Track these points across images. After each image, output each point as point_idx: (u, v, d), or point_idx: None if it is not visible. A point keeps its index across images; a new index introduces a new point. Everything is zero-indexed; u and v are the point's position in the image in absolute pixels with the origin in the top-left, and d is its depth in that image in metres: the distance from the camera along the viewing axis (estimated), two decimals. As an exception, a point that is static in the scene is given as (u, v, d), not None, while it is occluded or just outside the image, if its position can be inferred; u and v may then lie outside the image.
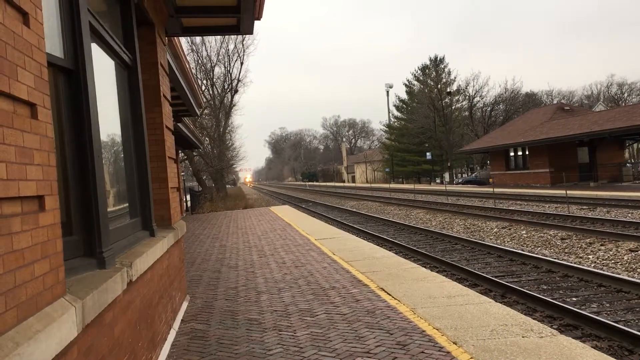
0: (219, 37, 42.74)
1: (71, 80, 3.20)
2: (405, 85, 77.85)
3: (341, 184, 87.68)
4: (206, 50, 44.74)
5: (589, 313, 7.37)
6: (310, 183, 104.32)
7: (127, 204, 4.78)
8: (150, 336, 4.24)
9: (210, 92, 43.83)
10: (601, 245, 13.02)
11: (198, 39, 41.64)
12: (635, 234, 13.52)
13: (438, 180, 66.47)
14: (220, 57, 44.28)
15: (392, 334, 4.95)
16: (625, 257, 11.54)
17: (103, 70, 4.16)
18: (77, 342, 2.45)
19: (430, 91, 69.90)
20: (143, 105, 5.24)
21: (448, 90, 67.41)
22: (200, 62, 43.12)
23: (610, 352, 6.12)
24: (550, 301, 7.99)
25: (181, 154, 33.05)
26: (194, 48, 42.46)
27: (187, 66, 10.38)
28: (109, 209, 3.88)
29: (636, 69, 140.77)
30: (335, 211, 30.54)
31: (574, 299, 8.54)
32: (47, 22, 2.69)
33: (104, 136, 3.91)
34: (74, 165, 3.16)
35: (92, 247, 3.23)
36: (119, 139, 4.75)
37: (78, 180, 3.20)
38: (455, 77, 77.25)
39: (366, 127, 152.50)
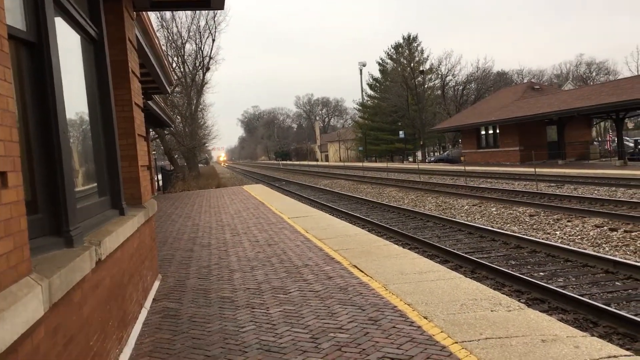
0: (189, 12, 41.94)
1: (34, 53, 3.10)
2: (379, 63, 77.81)
3: (314, 163, 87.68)
4: (177, 27, 43.86)
5: (556, 287, 7.56)
6: (283, 162, 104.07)
7: (96, 182, 4.69)
8: (121, 315, 4.20)
9: (182, 69, 43.09)
10: (568, 221, 13.32)
11: (168, 14, 40.80)
12: (600, 211, 13.87)
13: (411, 159, 66.94)
14: (191, 34, 43.47)
15: (364, 310, 5.00)
16: (591, 233, 11.84)
17: (68, 45, 4.04)
18: (44, 321, 2.42)
19: (403, 70, 69.97)
20: (111, 81, 5.13)
21: (421, 69, 67.56)
22: (170, 38, 42.27)
23: (575, 324, 6.30)
24: (518, 276, 8.17)
25: (152, 133, 32.57)
26: (164, 24, 41.58)
27: (157, 42, 10.16)
28: (76, 188, 3.81)
29: (604, 49, 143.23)
30: (308, 190, 30.58)
31: (541, 273, 8.74)
32: (7, -7, 2.59)
33: (70, 113, 3.82)
34: (38, 142, 3.08)
35: (59, 226, 3.17)
36: (86, 115, 4.64)
37: (43, 157, 3.12)
38: (428, 56, 77.69)
39: (340, 105, 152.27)
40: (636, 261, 9.05)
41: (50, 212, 3.13)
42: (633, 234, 11.15)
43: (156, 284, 6.55)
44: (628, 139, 41.56)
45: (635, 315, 6.34)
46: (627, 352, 3.76)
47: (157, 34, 12.93)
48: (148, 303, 5.69)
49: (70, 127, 3.87)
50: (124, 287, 4.44)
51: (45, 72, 3.14)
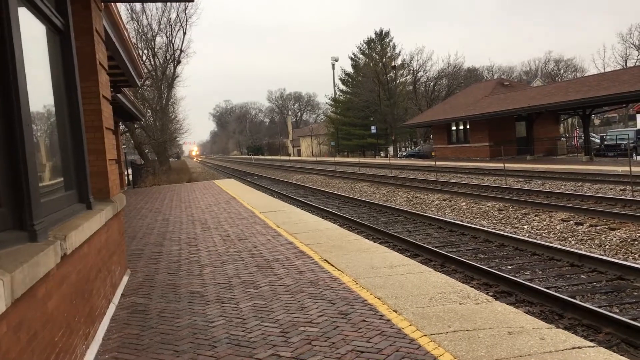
0: (160, 5, 41.39)
1: (-5, 44, 3.01)
2: (351, 58, 77.90)
3: (287, 158, 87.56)
4: (147, 19, 43.36)
5: (523, 280, 7.70)
6: (256, 157, 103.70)
7: (62, 176, 4.60)
8: (88, 311, 4.13)
9: (152, 62, 42.53)
10: (535, 215, 13.57)
11: (138, 6, 40.18)
12: (567, 205, 14.17)
13: (382, 154, 67.37)
14: (161, 27, 42.97)
15: (334, 304, 5.02)
16: (558, 227, 12.09)
17: (32, 35, 3.94)
18: (7, 316, 2.36)
19: (375, 65, 70.22)
20: (77, 73, 5.03)
21: (393, 64, 67.90)
22: (140, 31, 41.69)
23: (542, 316, 6.43)
24: (486, 269, 8.29)
25: (122, 127, 32.06)
26: (134, 16, 40.98)
27: (126, 34, 9.98)
28: (42, 181, 3.73)
29: (572, 46, 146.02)
30: (280, 184, 30.52)
31: (509, 267, 8.89)
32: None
33: (35, 105, 3.72)
34: (0, 135, 3.00)
35: (23, 220, 3.09)
36: (52, 108, 4.54)
37: (6, 150, 3.04)
38: (400, 52, 78.33)
39: (312, 100, 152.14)
40: (600, 254, 9.29)
41: (13, 205, 3.06)
42: (598, 227, 11.41)
43: (125, 279, 6.46)
44: (594, 135, 42.48)
45: (599, 307, 6.50)
46: (591, 343, 3.85)
47: (127, 26, 12.73)
48: (116, 298, 5.62)
49: (35, 120, 3.79)
50: (91, 282, 4.37)
51: (8, 64, 3.05)
